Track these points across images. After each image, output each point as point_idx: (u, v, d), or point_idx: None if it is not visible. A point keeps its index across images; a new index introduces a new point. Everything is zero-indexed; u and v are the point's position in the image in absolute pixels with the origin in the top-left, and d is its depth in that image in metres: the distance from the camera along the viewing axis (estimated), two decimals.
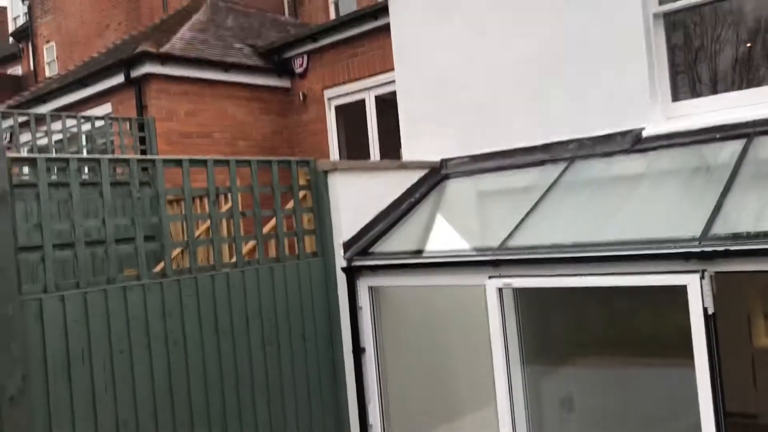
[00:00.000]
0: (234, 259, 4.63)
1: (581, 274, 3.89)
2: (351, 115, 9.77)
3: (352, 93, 9.58)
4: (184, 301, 4.19)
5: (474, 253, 4.55)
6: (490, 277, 4.20)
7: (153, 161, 4.38)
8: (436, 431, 5.23)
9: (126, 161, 4.41)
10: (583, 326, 5.72)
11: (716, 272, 3.48)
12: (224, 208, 5.94)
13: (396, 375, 5.02)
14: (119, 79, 9.13)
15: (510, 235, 4.44)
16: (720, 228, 3.59)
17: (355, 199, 5.17)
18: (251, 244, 5.01)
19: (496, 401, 4.21)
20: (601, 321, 5.64)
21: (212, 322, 4.33)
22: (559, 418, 5.88)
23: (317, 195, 5.06)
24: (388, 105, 8.70)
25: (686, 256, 3.52)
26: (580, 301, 5.78)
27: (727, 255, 3.42)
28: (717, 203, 3.76)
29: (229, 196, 4.88)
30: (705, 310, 3.46)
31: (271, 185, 4.86)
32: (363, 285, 5.00)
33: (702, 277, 3.46)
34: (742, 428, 8.92)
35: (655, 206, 4.18)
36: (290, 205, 4.98)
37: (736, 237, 3.49)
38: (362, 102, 9.46)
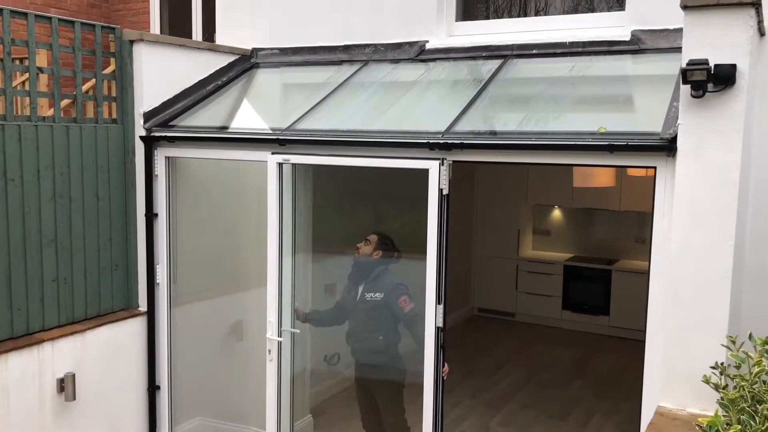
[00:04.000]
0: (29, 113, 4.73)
1: (349, 155, 4.52)
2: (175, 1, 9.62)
3: None
4: None
5: (264, 131, 5.05)
6: (272, 153, 4.71)
7: None
8: (219, 296, 5.78)
9: None
10: (353, 221, 6.45)
11: (453, 161, 4.25)
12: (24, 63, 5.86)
13: (185, 240, 5.45)
14: None
15: (297, 120, 4.96)
16: (461, 127, 4.34)
17: (161, 72, 5.38)
18: (54, 102, 5.09)
19: (268, 262, 4.79)
20: (369, 217, 6.39)
21: (0, 170, 4.47)
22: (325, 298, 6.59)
23: (121, 63, 5.22)
24: None
25: (431, 146, 4.24)
26: (353, 201, 6.47)
27: (462, 147, 4.18)
28: (464, 108, 4.51)
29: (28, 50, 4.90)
30: (440, 190, 4.22)
31: (72, 46, 4.95)
32: (160, 155, 5.31)
33: (441, 164, 4.20)
34: (504, 324, 10.47)
35: (421, 106, 4.88)
36: (93, 70, 5.10)
37: (470, 134, 4.26)
38: None
